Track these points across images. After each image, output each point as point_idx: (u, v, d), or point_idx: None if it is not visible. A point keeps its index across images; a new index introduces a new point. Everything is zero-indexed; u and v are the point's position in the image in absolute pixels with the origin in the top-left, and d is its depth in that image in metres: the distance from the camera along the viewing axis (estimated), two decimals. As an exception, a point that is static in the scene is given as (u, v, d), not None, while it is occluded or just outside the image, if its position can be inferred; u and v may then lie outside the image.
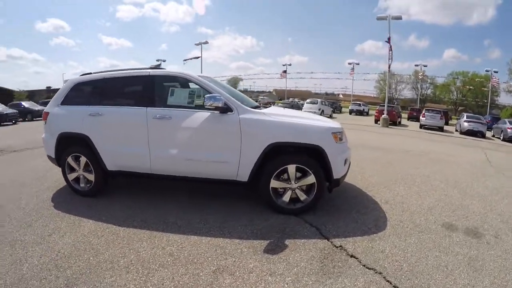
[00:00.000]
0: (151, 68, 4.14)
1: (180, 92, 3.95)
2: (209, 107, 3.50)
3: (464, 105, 55.83)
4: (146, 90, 3.99)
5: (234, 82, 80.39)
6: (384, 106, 20.18)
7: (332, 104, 35.68)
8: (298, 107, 25.84)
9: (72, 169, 4.28)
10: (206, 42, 36.68)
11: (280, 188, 3.60)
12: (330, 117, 26.55)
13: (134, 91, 4.14)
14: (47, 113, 4.44)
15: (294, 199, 3.61)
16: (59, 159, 4.33)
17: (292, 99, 44.46)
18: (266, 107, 4.40)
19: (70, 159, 4.22)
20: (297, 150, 3.58)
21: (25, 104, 24.40)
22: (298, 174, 3.54)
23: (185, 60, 37.71)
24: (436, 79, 59.47)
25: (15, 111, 21.19)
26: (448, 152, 9.55)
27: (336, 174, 3.55)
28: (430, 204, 4.27)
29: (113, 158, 4.01)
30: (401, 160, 7.41)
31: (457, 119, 24.25)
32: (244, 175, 3.59)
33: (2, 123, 19.44)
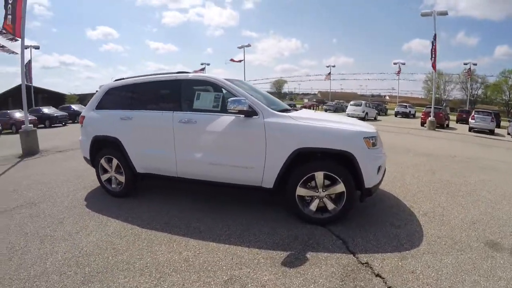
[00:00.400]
0: (178, 72, 4.13)
1: (206, 96, 3.85)
2: (232, 110, 3.37)
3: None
4: (173, 94, 4.03)
5: (279, 84, 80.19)
6: (431, 107, 18.82)
7: (377, 106, 34.15)
8: (342, 110, 25.10)
9: (105, 171, 4.47)
10: (249, 45, 36.61)
11: (307, 196, 3.37)
12: (375, 119, 25.58)
13: (162, 95, 4.21)
14: (83, 117, 4.69)
15: (322, 208, 3.35)
16: (93, 160, 4.55)
17: (336, 101, 43.33)
18: (296, 110, 4.16)
19: (103, 161, 4.42)
20: (326, 156, 3.32)
21: (74, 107, 26.09)
22: (327, 182, 3.27)
23: (228, 61, 38.24)
24: (487, 78, 54.65)
25: (65, 113, 22.81)
26: (499, 159, 8.54)
27: (368, 183, 3.23)
28: (474, 218, 3.76)
29: (141, 161, 4.11)
30: (446, 167, 6.75)
31: (508, 121, 21.98)
32: (269, 182, 3.41)
33: (52, 125, 21.02)
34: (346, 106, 27.40)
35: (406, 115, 32.41)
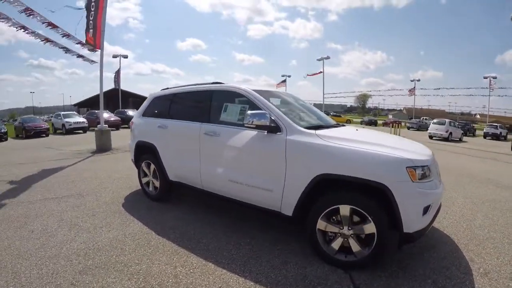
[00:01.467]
0: (212, 83, 3.97)
1: (233, 108, 3.58)
2: (250, 125, 2.99)
3: None
4: (204, 105, 3.87)
5: (362, 99, 76.10)
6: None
7: (464, 126, 30.04)
8: (426, 128, 22.98)
9: (145, 174, 4.67)
10: (328, 57, 35.25)
11: (330, 232, 2.81)
12: (460, 140, 22.55)
13: (195, 106, 4.11)
14: (132, 123, 4.99)
15: (346, 249, 2.76)
16: (137, 163, 4.81)
17: (421, 118, 39.51)
18: (338, 127, 3.58)
19: (143, 165, 4.62)
20: (354, 187, 2.71)
21: (130, 112, 25.57)
22: (355, 219, 2.68)
23: (306, 76, 37.55)
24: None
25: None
26: None
27: (408, 227, 2.53)
28: None
29: (173, 169, 4.11)
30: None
31: None
32: (288, 208, 2.95)
33: (123, 126, 22.42)
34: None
35: (496, 137, 27.80)
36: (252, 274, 2.66)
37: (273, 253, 3.00)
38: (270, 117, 3.01)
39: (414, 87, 45.23)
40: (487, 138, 28.26)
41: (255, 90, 3.44)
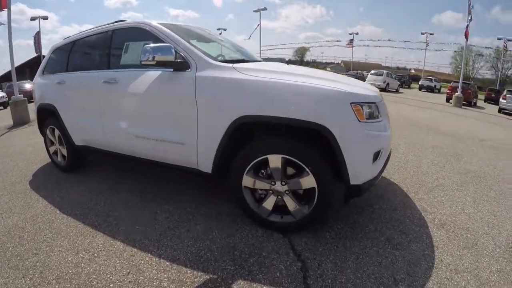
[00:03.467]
0: (115, 22, 2.90)
1: (134, 47, 2.60)
2: (149, 62, 2.04)
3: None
4: (104, 49, 2.84)
5: (301, 52, 74.58)
6: (458, 82, 16.08)
7: (400, 78, 30.23)
8: (363, 80, 22.48)
9: (52, 142, 3.62)
10: (265, 9, 32.31)
11: (261, 190, 2.04)
12: (397, 91, 22.64)
13: (95, 52, 3.06)
14: (34, 84, 3.88)
15: (282, 209, 2.02)
16: (42, 130, 3.76)
17: (359, 71, 39.36)
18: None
19: (48, 132, 3.58)
20: (286, 131, 1.94)
21: None
22: (290, 171, 1.92)
23: (247, 39, 35.06)
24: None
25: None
26: None
27: (355, 177, 1.82)
28: (510, 238, 2.29)
29: (78, 131, 3.10)
30: (473, 153, 5.06)
31: None
32: (206, 164, 2.11)
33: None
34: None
35: (431, 90, 28.34)
36: (168, 250, 1.87)
37: (195, 220, 2.20)
38: (176, 51, 2.10)
39: (353, 39, 44.65)
40: (422, 90, 28.72)
41: (164, 24, 2.44)
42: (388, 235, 2.16)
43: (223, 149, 1.96)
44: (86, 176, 3.27)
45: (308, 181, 1.82)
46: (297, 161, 1.81)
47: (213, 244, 1.89)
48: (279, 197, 1.94)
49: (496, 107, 17.23)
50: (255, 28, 31.66)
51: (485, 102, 22.44)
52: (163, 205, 2.42)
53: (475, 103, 18.34)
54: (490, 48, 45.21)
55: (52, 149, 3.64)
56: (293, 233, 2.02)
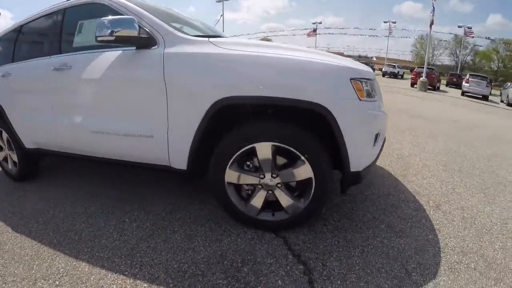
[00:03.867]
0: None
1: (91, 26, 2.14)
2: (106, 38, 1.67)
3: (505, 76, 47.85)
4: (54, 32, 2.36)
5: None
6: (421, 67, 16.76)
7: (365, 64, 31.07)
8: None
9: (0, 148, 3.02)
10: None
11: (247, 185, 1.78)
12: None
13: (44, 36, 2.57)
14: None
15: (273, 205, 1.77)
16: None
17: None
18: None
19: None
20: (276, 114, 1.70)
21: None
22: (280, 161, 1.68)
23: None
24: (476, 46, 50.91)
25: None
26: (502, 127, 6.91)
27: (357, 163, 1.63)
28: (505, 216, 2.27)
29: (27, 132, 2.59)
30: (449, 133, 5.16)
31: (504, 88, 19.92)
32: (180, 160, 1.79)
33: None
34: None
35: (394, 76, 29.34)
36: (143, 268, 1.54)
37: (172, 227, 1.89)
38: (140, 26, 1.74)
39: (316, 29, 45.07)
40: (385, 76, 29.55)
41: None
42: (388, 222, 2.02)
43: (201, 140, 1.67)
44: (42, 184, 2.77)
45: (304, 171, 1.59)
46: (291, 148, 1.57)
47: (197, 255, 1.61)
48: (270, 192, 1.69)
49: (458, 91, 18.25)
50: (218, 20, 30.85)
51: (446, 86, 23.76)
52: (133, 212, 2.09)
53: (438, 87, 19.30)
54: (452, 33, 47.81)
55: (1, 155, 3.08)
56: (287, 231, 1.79)
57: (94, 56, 1.96)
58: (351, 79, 1.57)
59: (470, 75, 17.42)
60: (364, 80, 1.64)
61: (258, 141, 1.58)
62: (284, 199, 1.69)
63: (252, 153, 1.64)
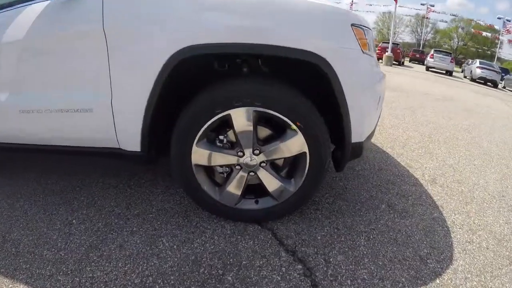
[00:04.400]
0: None
1: None
2: None
3: (464, 54, 50.97)
4: None
5: None
6: (386, 43, 17.02)
7: None
8: None
9: None
10: None
11: (222, 167, 1.38)
12: None
13: None
14: None
15: (256, 190, 1.40)
16: None
17: None
18: None
19: None
20: (258, 70, 1.33)
21: None
22: (263, 132, 1.31)
23: None
24: (437, 24, 53.28)
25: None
26: (472, 100, 7.18)
27: (358, 132, 1.31)
28: (498, 186, 2.21)
29: None
30: (424, 106, 5.12)
31: (467, 63, 20.91)
32: (131, 139, 1.33)
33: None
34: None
35: None
36: (95, 282, 1.12)
37: (130, 226, 1.46)
38: None
39: None
40: None
41: None
42: (387, 201, 1.77)
43: (157, 110, 1.23)
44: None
45: (296, 144, 1.24)
46: (278, 115, 1.19)
47: (163, 263, 1.21)
48: (251, 173, 1.32)
49: (422, 66, 18.88)
50: None
51: (409, 62, 24.66)
52: (81, 210, 1.61)
53: (403, 63, 19.83)
54: (416, 9, 49.41)
55: None
56: (275, 222, 1.45)
57: (17, 12, 1.41)
58: (352, 25, 1.22)
59: (435, 50, 18.01)
60: (365, 28, 1.30)
61: (234, 106, 1.17)
62: (270, 182, 1.33)
63: (227, 123, 1.24)
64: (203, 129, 1.21)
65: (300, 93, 1.20)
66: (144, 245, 1.31)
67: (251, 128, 1.21)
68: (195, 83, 1.30)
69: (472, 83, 14.67)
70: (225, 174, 1.38)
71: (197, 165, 1.30)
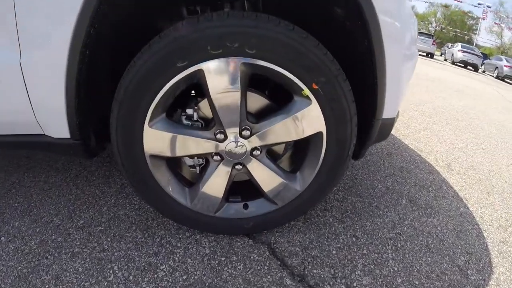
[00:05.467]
0: None
1: None
2: None
3: (442, 38, 52.47)
4: None
5: None
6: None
7: None
8: None
9: None
10: None
11: (191, 157, 0.94)
12: None
13: None
14: None
15: (244, 190, 0.99)
16: None
17: None
18: None
19: None
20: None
21: None
22: (257, 101, 0.88)
23: None
24: (415, 8, 54.36)
25: None
26: (459, 82, 7.25)
27: (392, 106, 0.92)
28: (511, 172, 2.02)
29: None
30: (419, 86, 4.93)
31: (447, 47, 21.20)
32: (54, 119, 0.84)
33: None
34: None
35: None
36: None
37: (70, 246, 1.00)
38: None
39: None
40: None
41: None
42: (407, 194, 1.45)
43: (87, 72, 0.77)
44: None
45: (309, 119, 0.83)
46: (284, 71, 0.76)
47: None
48: (238, 166, 0.90)
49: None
50: None
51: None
52: (12, 222, 1.12)
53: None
54: None
55: None
56: (271, 232, 1.06)
57: None
58: None
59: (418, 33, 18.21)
60: None
61: (209, 54, 0.73)
62: (267, 178, 0.92)
63: (198, 88, 0.80)
64: (158, 96, 0.76)
65: (316, 37, 0.77)
66: (87, 275, 0.88)
67: (237, 94, 0.78)
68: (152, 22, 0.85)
69: (453, 65, 14.93)
70: (198, 168, 0.95)
71: (154, 156, 0.86)
